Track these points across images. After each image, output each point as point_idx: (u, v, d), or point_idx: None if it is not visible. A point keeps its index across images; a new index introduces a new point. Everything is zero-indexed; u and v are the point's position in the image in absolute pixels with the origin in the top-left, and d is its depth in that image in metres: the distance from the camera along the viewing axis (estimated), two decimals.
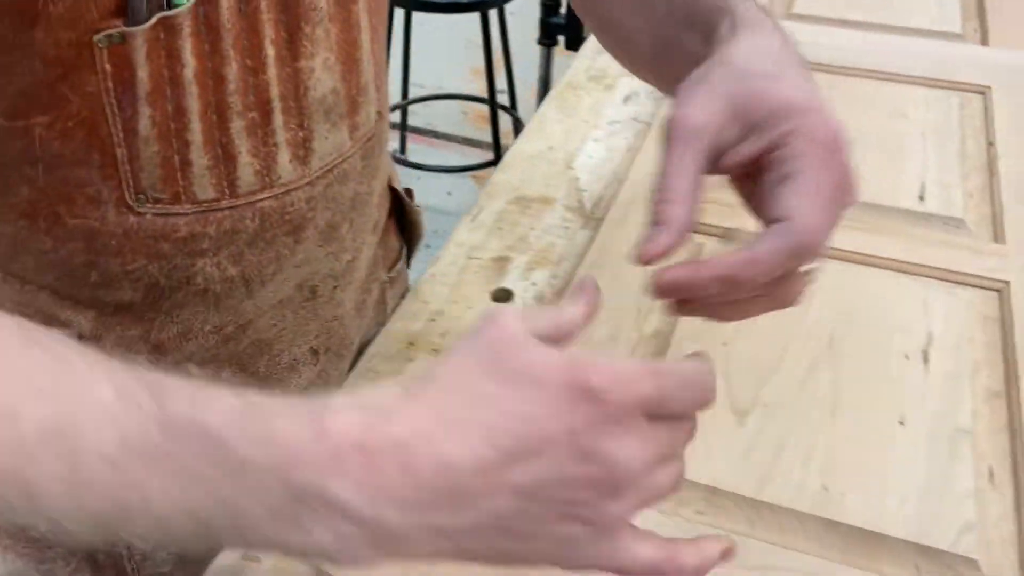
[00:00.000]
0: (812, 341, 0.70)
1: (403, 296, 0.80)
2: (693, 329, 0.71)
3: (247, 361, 0.58)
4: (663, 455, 0.34)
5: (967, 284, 0.76)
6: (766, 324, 0.71)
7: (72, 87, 0.43)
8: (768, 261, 0.40)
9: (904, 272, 0.76)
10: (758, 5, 0.47)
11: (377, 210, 0.70)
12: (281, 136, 0.51)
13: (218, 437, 0.30)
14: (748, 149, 0.41)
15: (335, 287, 0.62)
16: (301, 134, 0.53)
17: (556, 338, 0.37)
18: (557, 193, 0.92)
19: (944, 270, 0.76)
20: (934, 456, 0.60)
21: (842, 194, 0.40)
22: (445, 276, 0.80)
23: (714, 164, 0.42)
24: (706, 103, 0.40)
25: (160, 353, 0.53)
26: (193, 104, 0.46)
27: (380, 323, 0.78)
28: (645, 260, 0.43)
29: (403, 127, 2.73)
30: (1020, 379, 0.66)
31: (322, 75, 0.52)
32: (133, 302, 0.51)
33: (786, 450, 0.61)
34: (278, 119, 0.50)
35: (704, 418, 0.63)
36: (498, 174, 0.96)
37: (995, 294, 0.75)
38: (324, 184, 0.56)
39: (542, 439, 0.31)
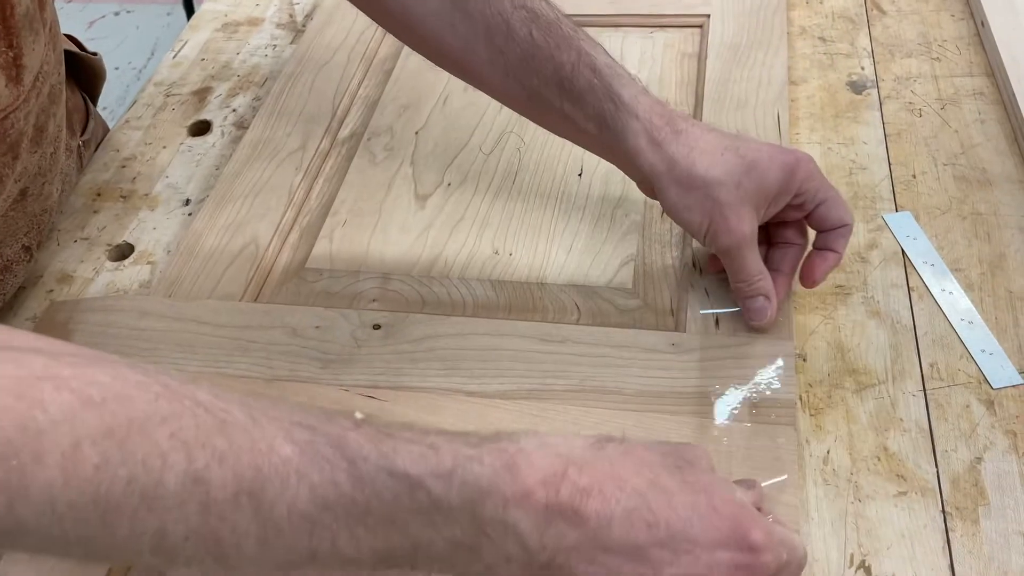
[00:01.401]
0: (503, 113, 0.68)
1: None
2: (385, 125, 0.69)
3: None
4: None
5: (668, 27, 0.74)
6: (459, 103, 0.69)
7: None
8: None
9: (604, 26, 0.74)
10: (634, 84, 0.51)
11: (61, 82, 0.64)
12: None
13: (412, 482, 0.32)
14: (793, 214, 0.52)
15: (44, 183, 0.59)
16: (11, 54, 0.50)
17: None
18: (267, 12, 0.86)
19: (645, 16, 0.74)
20: (605, 200, 0.60)
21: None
22: (140, 120, 0.75)
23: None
24: (741, 217, 0.49)
25: None
26: None
27: None
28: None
29: None
30: (704, 111, 0.65)
31: None
32: None
33: (463, 223, 0.60)
34: None
35: (383, 207, 0.63)
36: (207, 3, 0.89)
37: (697, 31, 0.73)
38: (36, 95, 0.53)
39: (690, 545, 0.34)
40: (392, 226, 0.61)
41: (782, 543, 0.36)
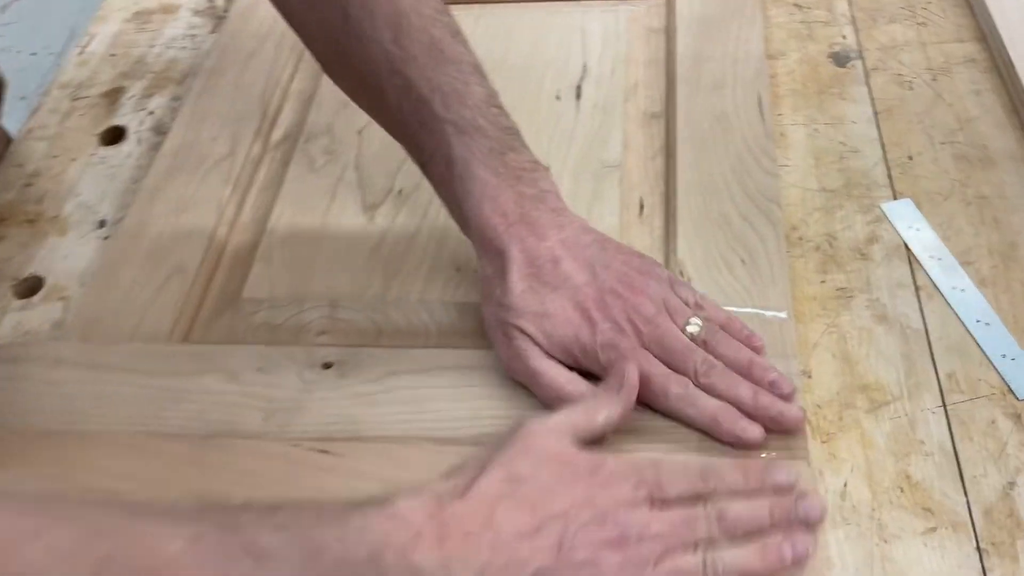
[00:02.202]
0: None
1: None
2: (323, 123, 0.61)
3: None
4: (671, 535, 0.37)
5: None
6: None
7: None
8: None
9: (563, 0, 0.67)
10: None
11: None
12: None
13: (315, 546, 0.33)
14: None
15: None
16: None
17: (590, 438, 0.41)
18: None
19: None
20: (577, 199, 0.53)
21: None
22: (44, 129, 0.66)
23: None
24: (552, 364, 0.45)
25: None
26: None
27: None
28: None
29: None
30: (678, 93, 0.59)
31: None
32: None
33: (419, 236, 0.54)
34: None
35: (327, 219, 0.55)
36: None
37: (662, 3, 0.67)
38: None
39: (567, 506, 0.36)
40: (339, 243, 0.54)
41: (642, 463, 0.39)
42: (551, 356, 0.44)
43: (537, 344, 0.44)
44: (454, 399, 0.45)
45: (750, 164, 0.54)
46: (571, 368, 0.44)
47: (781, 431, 0.42)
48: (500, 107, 0.48)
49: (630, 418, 0.42)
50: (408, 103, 0.47)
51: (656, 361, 0.44)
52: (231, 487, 0.43)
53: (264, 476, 0.43)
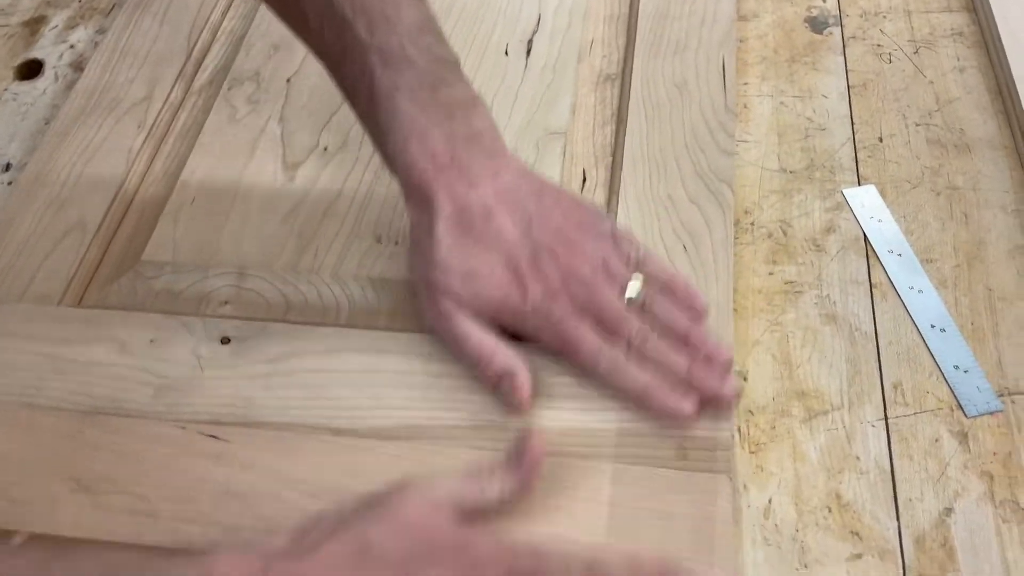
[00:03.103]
0: None
1: None
2: (251, 69, 0.56)
3: None
4: None
5: None
6: None
7: None
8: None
9: None
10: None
11: None
12: None
13: None
14: None
15: None
16: None
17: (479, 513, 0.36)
18: None
19: None
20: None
21: None
22: None
23: None
24: (464, 318, 0.41)
25: None
26: None
27: None
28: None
29: None
30: (636, 54, 0.54)
31: None
32: None
33: (340, 200, 0.49)
34: None
35: (244, 178, 0.51)
36: None
37: None
38: None
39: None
40: (253, 204, 0.49)
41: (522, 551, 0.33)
42: (478, 318, 0.41)
43: (463, 305, 0.41)
44: (357, 385, 0.42)
45: (705, 139, 0.50)
46: (502, 332, 0.41)
47: (713, 407, 0.39)
48: (437, 34, 0.43)
49: (531, 486, 0.37)
50: (330, 26, 0.42)
51: (588, 328, 0.40)
52: (111, 469, 0.40)
53: (148, 460, 0.40)
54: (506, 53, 0.55)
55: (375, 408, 0.41)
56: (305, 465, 0.39)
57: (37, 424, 0.41)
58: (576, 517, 0.37)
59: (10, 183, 0.53)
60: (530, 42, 0.56)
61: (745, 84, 0.54)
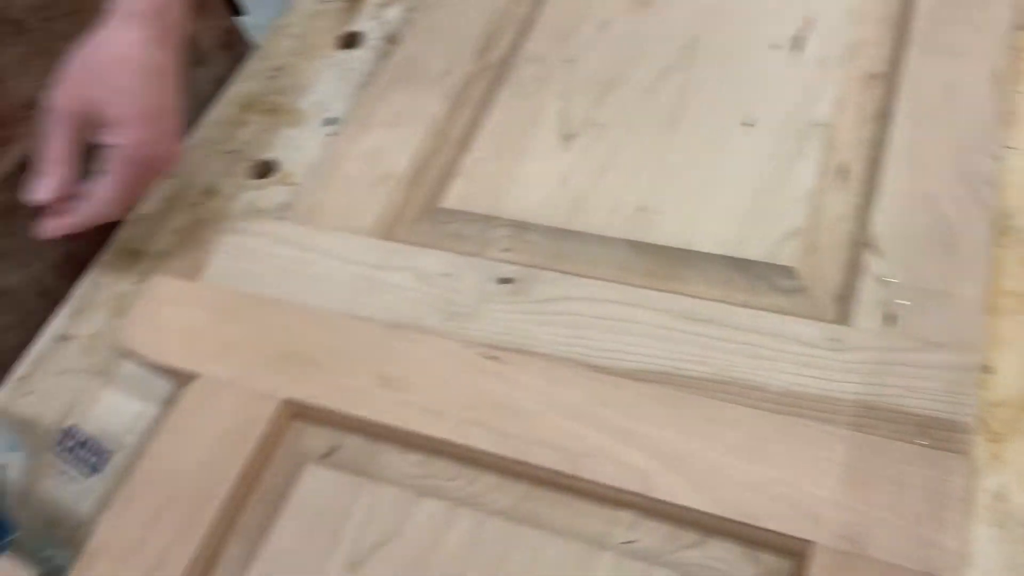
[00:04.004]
0: (669, 46, 0.61)
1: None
2: (538, 51, 0.63)
3: None
4: None
5: None
6: (620, 33, 0.63)
7: None
8: (80, 220, 0.55)
9: None
10: None
11: None
12: None
13: None
14: (89, 135, 0.53)
15: (46, 19, 0.58)
16: None
17: None
18: None
19: None
20: (775, 158, 0.53)
21: (144, 175, 0.54)
22: (292, 26, 0.73)
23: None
24: (70, 95, 0.51)
25: None
26: None
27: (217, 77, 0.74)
28: (34, 203, 0.54)
29: None
30: (910, 55, 0.56)
31: None
32: None
33: (610, 172, 0.55)
34: None
35: (525, 144, 0.58)
36: None
37: None
38: None
39: None
40: (533, 167, 0.56)
41: None
42: None
43: None
44: (616, 332, 0.47)
45: (971, 143, 0.51)
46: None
47: None
48: None
49: None
50: None
51: None
52: (409, 372, 0.48)
53: (437, 369, 0.48)
54: (774, 47, 0.59)
55: (630, 353, 0.47)
56: (568, 392, 0.45)
57: (353, 329, 0.51)
58: (807, 471, 0.41)
59: (333, 134, 0.64)
60: (798, 38, 0.59)
61: (1020, 92, 0.54)
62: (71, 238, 0.59)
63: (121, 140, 0.51)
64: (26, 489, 0.49)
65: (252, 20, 0.80)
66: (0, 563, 0.41)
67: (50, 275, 0.66)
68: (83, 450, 0.48)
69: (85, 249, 0.65)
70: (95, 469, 0.48)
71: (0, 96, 0.58)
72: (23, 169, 0.60)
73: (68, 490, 0.48)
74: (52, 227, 0.55)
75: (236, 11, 0.73)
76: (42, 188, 0.53)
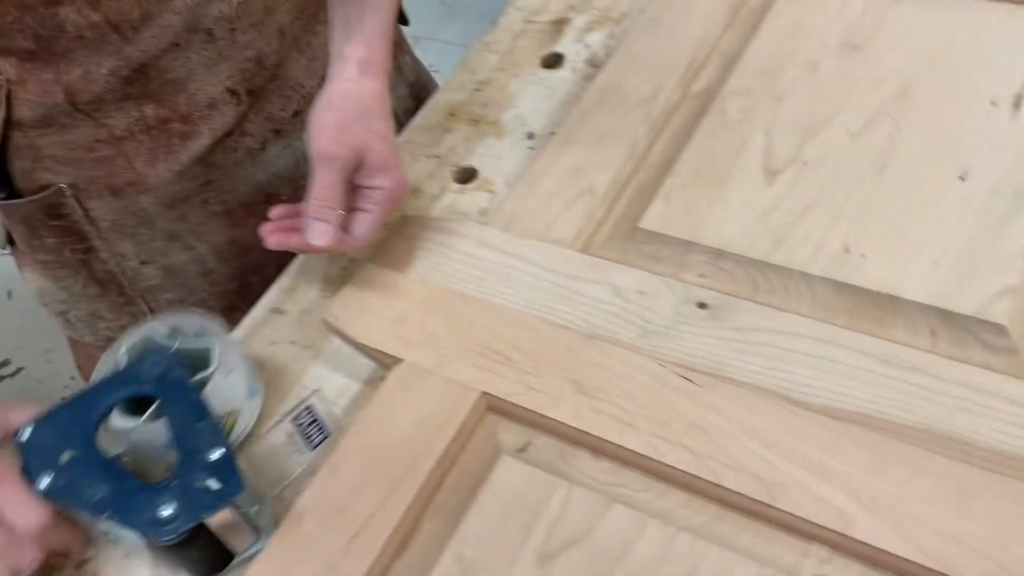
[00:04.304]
0: (880, 90, 0.61)
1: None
2: (743, 86, 0.64)
3: (165, 99, 0.63)
4: None
5: None
6: (829, 75, 0.63)
7: None
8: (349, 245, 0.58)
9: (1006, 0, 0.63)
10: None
11: None
12: None
13: None
14: (357, 180, 0.57)
15: (232, 29, 0.63)
16: None
17: None
18: None
19: None
20: (989, 213, 0.52)
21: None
22: (498, 44, 0.77)
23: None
24: (336, 142, 0.55)
25: (73, 94, 0.59)
26: None
27: (408, 81, 0.80)
28: (312, 250, 0.56)
29: None
30: None
31: None
32: (33, 49, 0.57)
33: (814, 210, 0.56)
34: None
35: (727, 175, 0.59)
36: None
37: None
38: None
39: None
40: (734, 198, 0.58)
41: None
42: None
43: None
44: (815, 368, 0.48)
45: None
46: None
47: None
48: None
49: None
50: None
51: None
52: (604, 383, 0.50)
53: (630, 382, 0.50)
54: (993, 104, 0.58)
55: (829, 391, 0.47)
56: (765, 421, 0.46)
57: (550, 334, 0.53)
58: (1014, 531, 0.40)
59: (532, 148, 0.67)
60: (1020, 96, 0.58)
61: None
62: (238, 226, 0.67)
63: (387, 183, 0.56)
64: (251, 440, 0.53)
65: (410, 30, 0.83)
66: (222, 511, 0.45)
67: (212, 257, 0.73)
68: (312, 427, 0.53)
69: (245, 236, 0.71)
70: (315, 446, 0.52)
71: (187, 95, 0.64)
72: (200, 162, 0.67)
73: (289, 456, 0.52)
74: (278, 240, 0.57)
75: (404, 20, 0.78)
76: (321, 235, 0.54)
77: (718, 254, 0.55)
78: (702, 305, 0.52)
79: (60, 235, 0.68)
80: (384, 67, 0.59)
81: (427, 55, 0.94)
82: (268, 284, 0.66)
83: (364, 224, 0.56)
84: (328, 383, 0.56)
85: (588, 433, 0.48)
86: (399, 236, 0.62)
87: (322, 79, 0.70)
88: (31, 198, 0.66)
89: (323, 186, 0.55)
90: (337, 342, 0.58)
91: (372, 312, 0.56)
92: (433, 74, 0.88)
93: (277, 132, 0.70)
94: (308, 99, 0.69)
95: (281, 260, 0.73)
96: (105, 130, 0.62)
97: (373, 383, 0.55)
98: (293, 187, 0.72)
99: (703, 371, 0.49)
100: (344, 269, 0.63)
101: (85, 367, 0.91)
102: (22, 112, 0.60)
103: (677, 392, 0.49)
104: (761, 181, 0.58)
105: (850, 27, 0.66)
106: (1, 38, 0.57)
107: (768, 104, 0.63)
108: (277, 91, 0.69)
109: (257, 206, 0.70)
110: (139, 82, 0.61)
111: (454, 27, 2.42)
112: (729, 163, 0.60)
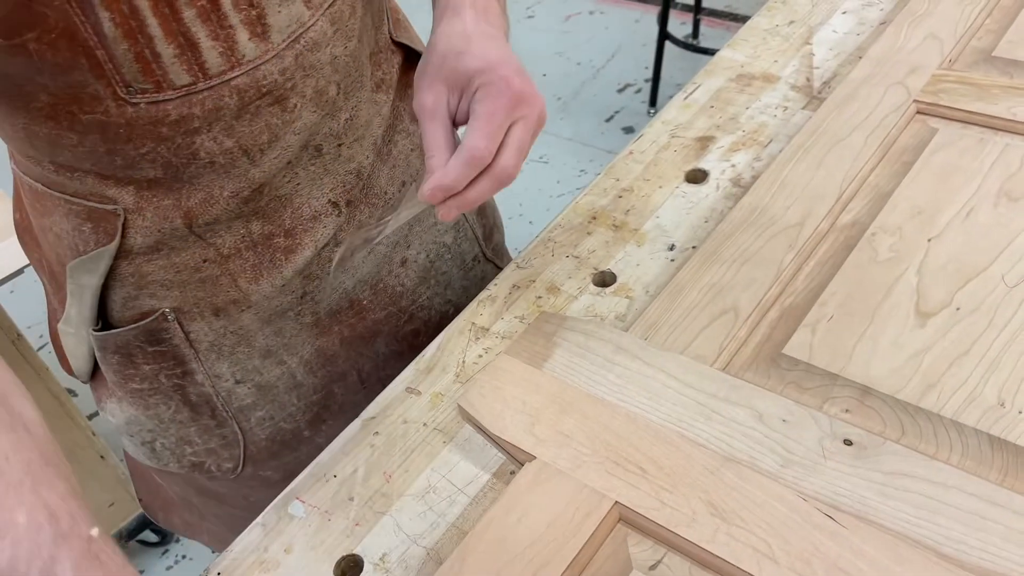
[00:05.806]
0: None
1: None
2: (893, 223, 0.65)
3: (272, 215, 0.64)
4: None
5: None
6: (986, 219, 0.63)
7: (43, 3, 0.47)
8: (453, 174, 0.55)
9: None
10: None
11: (377, 67, 0.69)
12: (235, 18, 0.53)
13: None
14: (463, 106, 0.56)
15: (339, 144, 0.66)
16: (254, 12, 0.54)
17: None
18: (784, 70, 0.85)
19: None
20: None
21: (513, 112, 0.55)
22: (643, 154, 0.79)
23: (455, 122, 0.58)
24: (430, 88, 0.56)
25: (192, 217, 0.61)
26: (142, 1, 0.50)
27: None
28: (472, 200, 0.56)
29: (696, 9, 2.62)
30: None
31: None
32: (158, 177, 0.58)
33: (967, 358, 0.55)
34: (226, 2, 0.53)
35: (877, 311, 0.59)
36: (725, 50, 0.91)
37: None
38: (293, 54, 0.57)
39: None
40: (884, 336, 0.57)
41: None
42: None
43: None
44: (967, 524, 0.46)
45: None
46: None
47: None
48: None
49: None
50: None
51: None
52: (742, 508, 0.49)
53: (770, 512, 0.49)
54: None
55: (982, 551, 0.45)
56: (911, 573, 0.45)
57: (687, 450, 0.53)
58: None
59: (672, 260, 0.68)
60: None
61: None
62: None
63: (488, 78, 0.54)
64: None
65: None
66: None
67: (301, 370, 0.73)
68: (442, 502, 0.53)
69: (330, 345, 0.73)
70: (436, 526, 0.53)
71: (292, 210, 0.65)
72: (299, 275, 0.68)
73: (416, 530, 0.53)
74: (443, 213, 0.56)
75: None
76: (431, 189, 0.54)
77: (864, 391, 0.55)
78: (848, 442, 0.51)
79: (157, 361, 0.68)
80: (476, 6, 0.58)
81: (537, 148, 0.97)
82: (351, 393, 0.66)
83: (474, 135, 0.54)
84: (457, 470, 0.57)
85: (724, 560, 0.47)
86: (536, 331, 0.63)
87: (402, 184, 0.74)
88: (132, 326, 0.66)
89: (426, 138, 0.55)
90: (468, 429, 0.59)
91: (506, 404, 0.57)
92: (543, 165, 0.90)
93: (364, 240, 0.71)
94: (390, 206, 0.72)
95: (363, 368, 0.74)
96: (212, 249, 0.63)
97: (501, 475, 0.56)
98: (373, 291, 0.73)
99: (847, 511, 0.48)
100: (479, 357, 0.64)
101: (147, 500, 0.91)
102: (134, 240, 0.61)
103: (820, 530, 0.48)
104: (912, 322, 0.58)
105: (1009, 177, 0.66)
106: (127, 169, 0.57)
107: (920, 244, 0.62)
108: (367, 200, 0.70)
109: (342, 313, 0.72)
110: (254, 200, 0.62)
111: (566, 122, 2.51)
112: (879, 300, 0.60)
